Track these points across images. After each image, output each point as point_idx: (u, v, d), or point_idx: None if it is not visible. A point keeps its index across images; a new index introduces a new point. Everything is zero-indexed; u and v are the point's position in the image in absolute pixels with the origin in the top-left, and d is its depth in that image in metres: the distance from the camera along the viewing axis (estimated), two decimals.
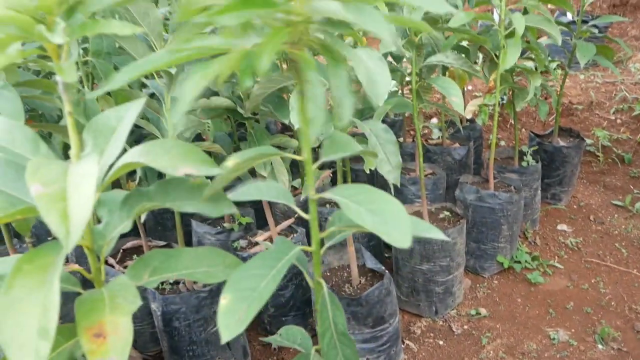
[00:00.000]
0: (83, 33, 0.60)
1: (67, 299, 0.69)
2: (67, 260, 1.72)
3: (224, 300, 0.56)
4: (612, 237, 2.24)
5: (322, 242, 0.80)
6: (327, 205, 1.86)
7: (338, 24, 0.59)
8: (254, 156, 0.70)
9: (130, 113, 0.76)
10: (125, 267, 1.55)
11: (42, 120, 1.50)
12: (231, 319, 0.53)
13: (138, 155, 0.69)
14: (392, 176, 1.16)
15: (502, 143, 3.07)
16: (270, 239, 1.65)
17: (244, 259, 1.57)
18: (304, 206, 1.89)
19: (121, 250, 1.66)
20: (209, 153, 1.68)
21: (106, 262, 1.51)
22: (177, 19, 0.69)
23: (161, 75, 1.27)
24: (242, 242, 1.66)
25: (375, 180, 2.38)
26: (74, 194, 0.55)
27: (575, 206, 2.51)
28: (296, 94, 0.63)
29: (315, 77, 0.54)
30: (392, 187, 1.28)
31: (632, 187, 2.64)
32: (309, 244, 1.76)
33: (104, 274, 0.75)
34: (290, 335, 0.92)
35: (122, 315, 0.62)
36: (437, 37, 1.68)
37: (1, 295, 0.58)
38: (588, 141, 2.84)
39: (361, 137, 1.80)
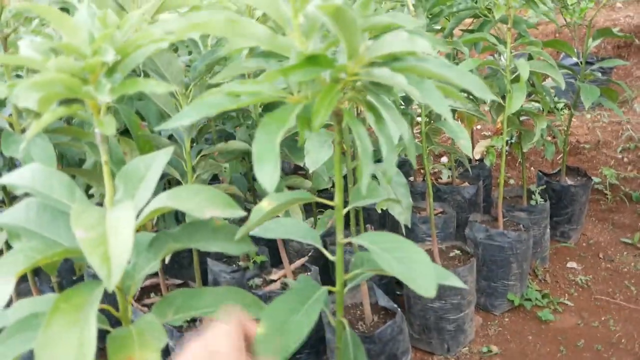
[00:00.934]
0: (124, 91, 0.67)
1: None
2: None
3: (260, 329, 0.60)
4: (621, 274, 2.25)
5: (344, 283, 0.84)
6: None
7: (386, 88, 0.64)
8: (290, 200, 0.75)
9: (158, 161, 0.82)
10: (143, 305, 1.59)
11: (64, 162, 1.57)
12: (268, 347, 0.58)
13: (166, 199, 0.75)
14: (403, 217, 1.21)
15: (512, 182, 3.11)
16: (285, 278, 1.69)
17: (260, 297, 1.61)
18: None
19: (139, 289, 1.70)
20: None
21: None
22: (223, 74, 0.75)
23: None
24: (257, 280, 1.70)
25: (387, 218, 2.42)
26: (113, 238, 0.61)
27: (584, 244, 2.53)
28: (336, 145, 0.69)
29: (364, 133, 0.59)
30: (403, 227, 1.32)
31: None
32: (323, 283, 1.79)
33: (131, 312, 0.80)
34: None
35: (151, 351, 0.67)
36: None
37: (40, 333, 0.63)
38: (596, 180, 2.88)
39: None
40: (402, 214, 1.20)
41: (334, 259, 0.79)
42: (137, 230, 0.86)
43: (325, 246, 1.62)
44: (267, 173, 0.49)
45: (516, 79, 1.70)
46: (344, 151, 1.45)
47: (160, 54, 1.22)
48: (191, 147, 1.47)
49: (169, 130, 1.48)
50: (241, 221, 1.15)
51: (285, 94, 0.63)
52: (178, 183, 1.71)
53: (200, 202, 0.75)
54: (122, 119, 1.52)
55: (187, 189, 0.77)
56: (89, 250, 0.59)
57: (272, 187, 0.48)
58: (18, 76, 1.47)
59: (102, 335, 0.74)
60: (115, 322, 0.82)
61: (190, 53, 1.65)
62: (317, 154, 1.11)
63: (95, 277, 1.44)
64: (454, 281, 0.81)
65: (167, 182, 1.86)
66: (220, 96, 0.53)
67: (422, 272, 0.61)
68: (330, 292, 0.81)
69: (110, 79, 0.76)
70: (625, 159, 2.98)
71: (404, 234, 1.63)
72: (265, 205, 0.72)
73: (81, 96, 0.72)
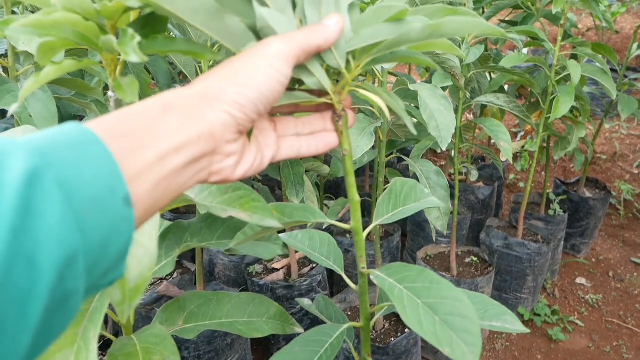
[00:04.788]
0: (156, 50, 0.52)
1: None
2: None
3: None
4: (632, 297, 2.15)
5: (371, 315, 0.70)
6: (348, 236, 1.77)
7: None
8: (295, 221, 0.60)
9: None
10: None
11: (59, 119, 1.40)
12: None
13: (191, 191, 0.61)
14: (440, 223, 1.08)
15: (521, 185, 3.00)
16: (289, 267, 1.56)
17: (260, 287, 1.48)
18: (327, 230, 1.77)
19: None
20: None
21: None
22: None
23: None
24: (258, 268, 1.57)
25: None
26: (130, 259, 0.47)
27: (594, 259, 2.43)
28: (344, 155, 0.55)
29: None
30: (434, 232, 1.20)
31: None
32: (329, 277, 1.66)
33: (134, 319, 0.66)
34: None
35: None
36: (483, 76, 1.62)
37: None
38: None
39: (391, 169, 1.72)
40: (439, 220, 1.08)
41: (357, 289, 0.65)
42: None
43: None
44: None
45: (561, 81, 1.57)
46: (379, 141, 1.31)
47: None
48: None
49: None
50: None
51: None
52: None
53: (228, 200, 0.61)
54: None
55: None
56: None
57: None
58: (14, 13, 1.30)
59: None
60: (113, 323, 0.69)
61: None
62: (356, 143, 0.97)
63: None
64: (511, 321, 0.67)
65: None
66: None
67: (462, 327, 0.47)
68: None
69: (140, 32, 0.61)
70: None
71: (432, 235, 1.51)
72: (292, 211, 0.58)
73: (97, 48, 0.57)
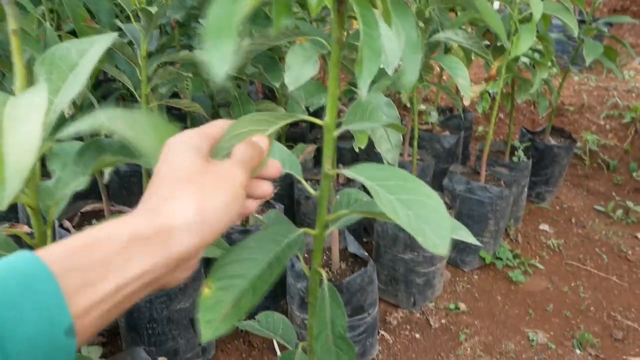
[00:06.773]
0: None
1: None
2: (17, 221, 1.56)
3: (207, 290, 0.44)
4: (592, 241, 2.19)
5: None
6: (298, 185, 1.74)
7: None
8: (280, 118, 0.56)
9: (96, 47, 0.62)
10: None
11: None
12: (214, 314, 0.42)
13: (104, 118, 0.55)
14: (391, 155, 1.05)
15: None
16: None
17: None
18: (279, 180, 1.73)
19: (79, 214, 1.51)
20: (186, 115, 1.54)
21: (61, 226, 1.37)
22: None
23: (138, 17, 1.12)
24: None
25: (357, 160, 2.27)
26: (12, 130, 0.42)
27: (557, 207, 2.45)
28: (333, 43, 0.50)
29: (373, 17, 0.42)
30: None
31: (614, 194, 2.60)
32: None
33: (51, 239, 0.62)
34: (270, 323, 0.81)
35: None
36: (446, 18, 1.57)
37: None
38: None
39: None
40: (389, 152, 1.05)
41: (316, 194, 0.62)
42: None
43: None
44: (221, 52, 0.30)
45: (524, 20, 1.54)
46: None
47: None
48: (150, 56, 1.26)
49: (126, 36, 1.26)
50: None
51: None
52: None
53: (141, 129, 0.55)
54: (66, 12, 1.28)
55: (131, 113, 0.57)
56: None
57: (223, 73, 0.30)
58: None
59: None
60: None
61: None
62: (300, 70, 0.92)
63: None
64: (465, 236, 0.66)
65: (120, 98, 1.63)
66: None
67: (434, 222, 0.46)
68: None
69: None
70: (608, 126, 2.89)
71: None
72: (245, 121, 0.53)
73: None
